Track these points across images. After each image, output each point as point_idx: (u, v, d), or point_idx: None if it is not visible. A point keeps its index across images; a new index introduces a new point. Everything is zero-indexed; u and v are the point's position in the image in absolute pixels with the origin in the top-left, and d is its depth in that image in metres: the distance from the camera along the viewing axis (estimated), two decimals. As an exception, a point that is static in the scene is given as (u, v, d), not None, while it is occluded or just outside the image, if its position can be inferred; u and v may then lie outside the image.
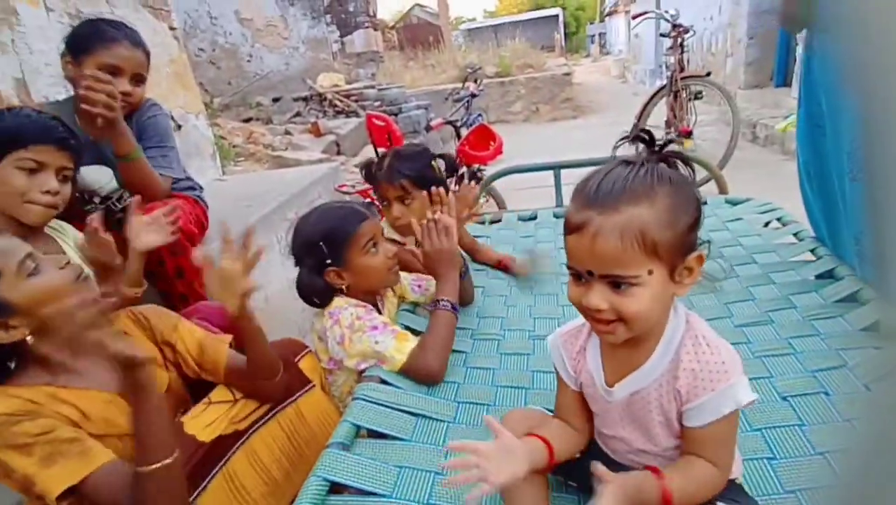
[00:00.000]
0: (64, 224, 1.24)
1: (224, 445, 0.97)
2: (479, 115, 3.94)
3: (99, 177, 1.50)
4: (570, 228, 0.66)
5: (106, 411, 0.89)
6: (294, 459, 1.06)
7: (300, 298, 1.22)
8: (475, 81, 4.25)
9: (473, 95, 3.88)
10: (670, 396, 0.67)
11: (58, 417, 0.81)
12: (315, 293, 1.19)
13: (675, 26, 4.09)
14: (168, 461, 0.79)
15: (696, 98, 4.13)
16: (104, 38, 1.40)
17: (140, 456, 0.78)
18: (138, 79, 1.47)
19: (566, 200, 1.99)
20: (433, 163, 1.52)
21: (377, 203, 3.03)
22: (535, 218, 1.98)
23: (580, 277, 0.66)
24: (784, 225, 1.58)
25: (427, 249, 1.23)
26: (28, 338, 0.82)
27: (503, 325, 1.34)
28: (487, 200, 3.12)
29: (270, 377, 1.03)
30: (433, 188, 1.35)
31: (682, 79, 4.01)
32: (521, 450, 0.69)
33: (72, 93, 1.48)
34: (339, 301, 1.18)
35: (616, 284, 0.63)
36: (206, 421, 0.95)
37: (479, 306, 1.43)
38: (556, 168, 1.99)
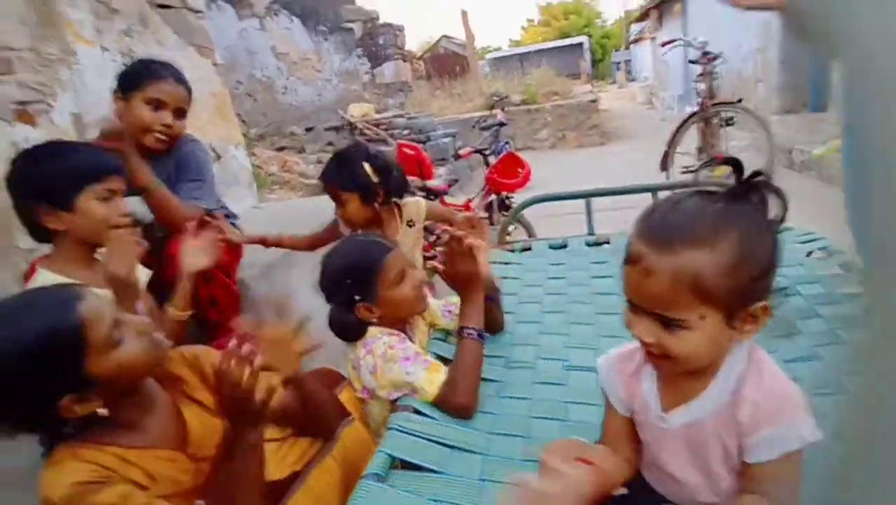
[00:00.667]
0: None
1: (282, 488, 0.95)
2: (507, 143, 3.98)
3: (139, 207, 1.57)
4: (627, 258, 0.64)
5: (171, 470, 0.89)
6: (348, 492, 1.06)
7: (334, 334, 1.23)
8: (502, 109, 4.31)
9: (502, 124, 3.93)
10: (730, 427, 0.64)
11: (129, 482, 0.80)
12: (348, 329, 1.21)
13: (704, 53, 4.09)
14: None
15: (727, 124, 4.09)
16: (151, 76, 1.52)
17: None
18: (180, 112, 1.57)
19: (598, 229, 2.00)
20: (364, 165, 1.63)
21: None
22: (565, 246, 1.97)
23: (633, 304, 0.65)
24: (829, 255, 1.53)
25: (449, 271, 1.22)
26: (102, 410, 0.79)
27: (537, 353, 1.32)
28: (516, 228, 3.12)
29: (330, 426, 1.04)
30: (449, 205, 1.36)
31: (713, 105, 3.99)
32: (580, 480, 0.66)
33: None
34: (372, 330, 1.19)
35: (664, 321, 0.61)
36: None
37: (512, 333, 1.42)
38: (588, 196, 1.98)
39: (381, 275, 1.17)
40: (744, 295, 0.60)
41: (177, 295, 1.31)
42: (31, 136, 1.83)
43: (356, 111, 6.99)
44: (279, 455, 1.00)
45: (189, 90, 1.61)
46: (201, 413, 0.98)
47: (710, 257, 0.58)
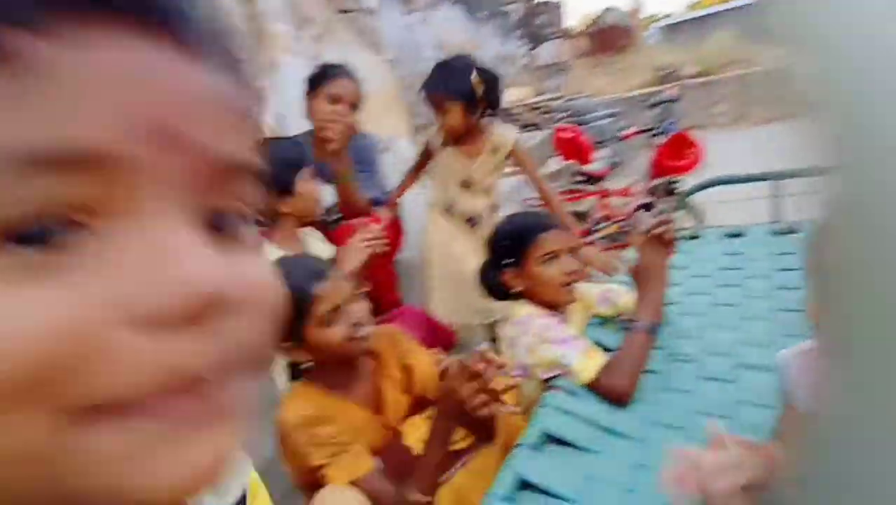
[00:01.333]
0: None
1: (444, 463, 1.03)
2: (673, 122, 3.66)
3: (324, 193, 1.83)
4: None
5: (368, 429, 1.09)
6: None
7: (480, 283, 1.35)
8: (671, 84, 3.96)
9: (672, 101, 3.61)
10: None
11: (341, 426, 1.03)
12: (491, 287, 1.31)
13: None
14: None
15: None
16: (330, 75, 1.77)
17: (419, 485, 0.94)
18: (353, 106, 1.78)
19: (789, 215, 1.75)
20: (473, 74, 1.70)
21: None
22: (742, 235, 1.77)
23: None
24: None
25: (642, 261, 1.21)
26: (307, 363, 1.07)
27: (703, 347, 1.24)
28: (685, 216, 2.88)
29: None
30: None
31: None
32: (746, 461, 0.64)
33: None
34: (528, 308, 1.23)
35: None
36: (424, 434, 1.04)
37: (675, 325, 1.34)
38: (774, 179, 1.75)
39: (532, 247, 1.22)
40: None
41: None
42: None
43: (514, 95, 7.01)
44: None
45: (360, 86, 1.82)
46: (393, 388, 1.15)
47: None
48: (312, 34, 3.00)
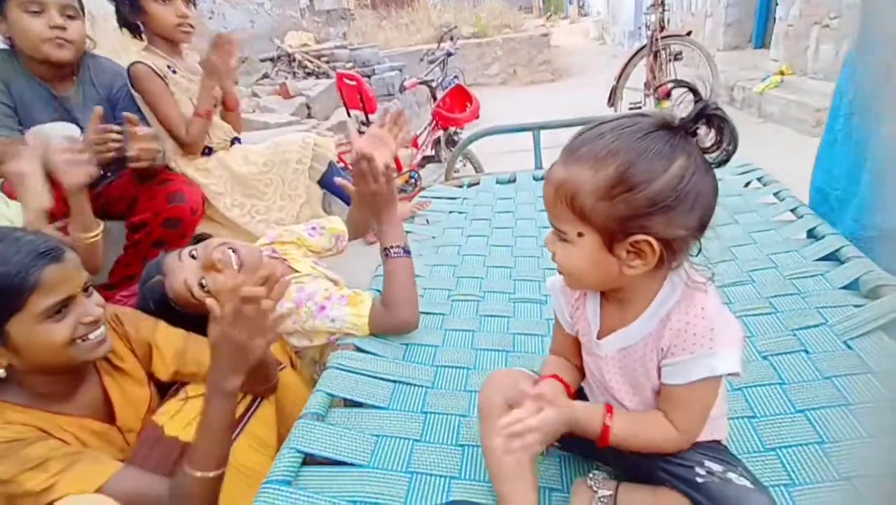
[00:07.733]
0: None
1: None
2: (456, 76, 3.81)
3: (65, 132, 1.42)
4: None
5: (100, 442, 0.86)
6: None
7: None
8: (451, 39, 4.10)
9: (449, 54, 3.73)
10: (653, 354, 0.65)
11: (61, 441, 0.80)
12: None
13: (656, -17, 3.99)
14: (221, 471, 0.78)
15: (675, 59, 4.08)
16: None
17: (197, 461, 0.76)
18: (63, 11, 1.38)
19: (546, 163, 1.96)
20: None
21: (347, 164, 2.82)
22: (514, 181, 1.93)
23: None
24: (764, 185, 1.57)
25: (360, 192, 1.11)
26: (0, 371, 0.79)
27: (482, 286, 1.30)
28: (465, 164, 3.05)
29: (266, 385, 0.98)
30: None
31: (662, 38, 3.95)
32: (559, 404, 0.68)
33: None
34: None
35: (557, 231, 0.65)
36: (185, 419, 0.88)
37: (458, 266, 1.39)
38: (536, 129, 1.93)
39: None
40: (622, 223, 0.59)
41: (72, 219, 1.17)
42: None
43: (294, 40, 6.47)
44: None
45: None
46: (126, 384, 0.93)
47: (591, 176, 0.59)
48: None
